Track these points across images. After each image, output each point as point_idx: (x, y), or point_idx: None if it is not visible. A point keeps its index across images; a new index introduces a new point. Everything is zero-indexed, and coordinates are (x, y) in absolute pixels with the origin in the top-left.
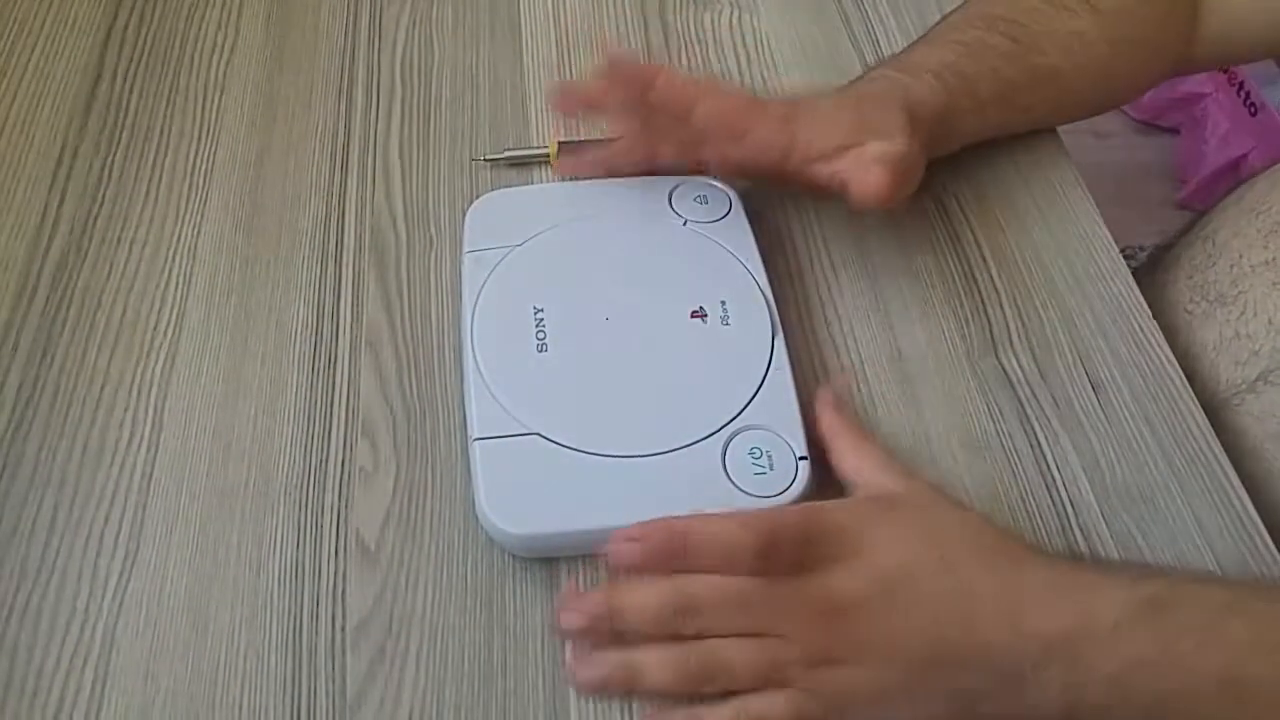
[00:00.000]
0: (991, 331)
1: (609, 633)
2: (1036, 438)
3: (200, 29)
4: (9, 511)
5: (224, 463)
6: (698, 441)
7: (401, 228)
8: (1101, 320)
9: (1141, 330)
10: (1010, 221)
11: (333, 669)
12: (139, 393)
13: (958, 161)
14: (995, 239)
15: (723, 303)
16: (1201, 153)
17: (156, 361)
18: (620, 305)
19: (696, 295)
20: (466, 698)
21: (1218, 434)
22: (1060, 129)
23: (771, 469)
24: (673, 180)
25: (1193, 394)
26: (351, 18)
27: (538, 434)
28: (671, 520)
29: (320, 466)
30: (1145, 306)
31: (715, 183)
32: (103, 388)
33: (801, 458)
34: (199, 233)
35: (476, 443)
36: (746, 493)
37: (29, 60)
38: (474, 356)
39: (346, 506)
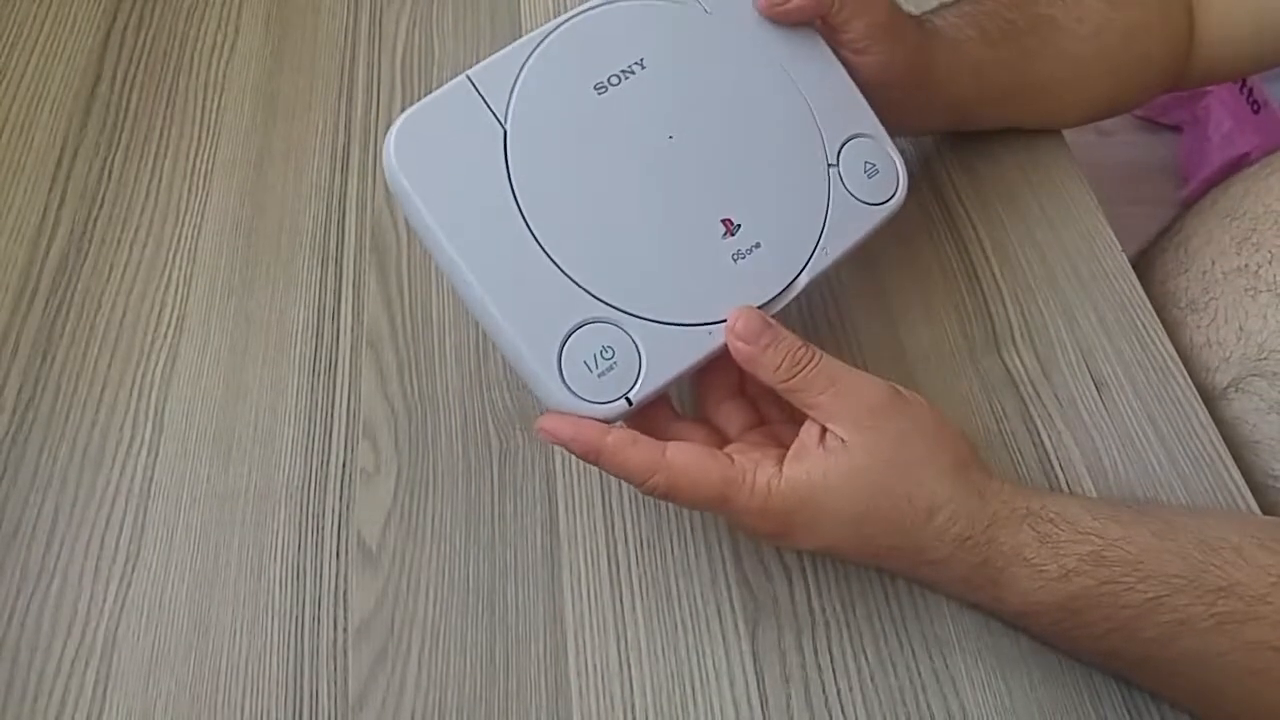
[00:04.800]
0: (994, 329)
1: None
2: (1040, 436)
3: (200, 30)
4: (9, 514)
5: (225, 465)
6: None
7: (402, 228)
8: (1104, 318)
9: (1144, 328)
10: (1013, 219)
11: (334, 670)
12: (139, 394)
13: (961, 160)
14: (998, 237)
15: (757, 245)
16: (1204, 150)
17: (157, 363)
18: (686, 145)
19: (750, 211)
20: (469, 699)
21: None
22: None
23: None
24: (866, 128)
25: (1195, 392)
26: (352, 18)
27: (506, 132)
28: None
29: (321, 468)
30: (1148, 304)
31: (898, 164)
32: (103, 390)
33: None
34: (199, 234)
35: (464, 79)
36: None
37: (28, 61)
38: (546, 35)
39: (348, 508)
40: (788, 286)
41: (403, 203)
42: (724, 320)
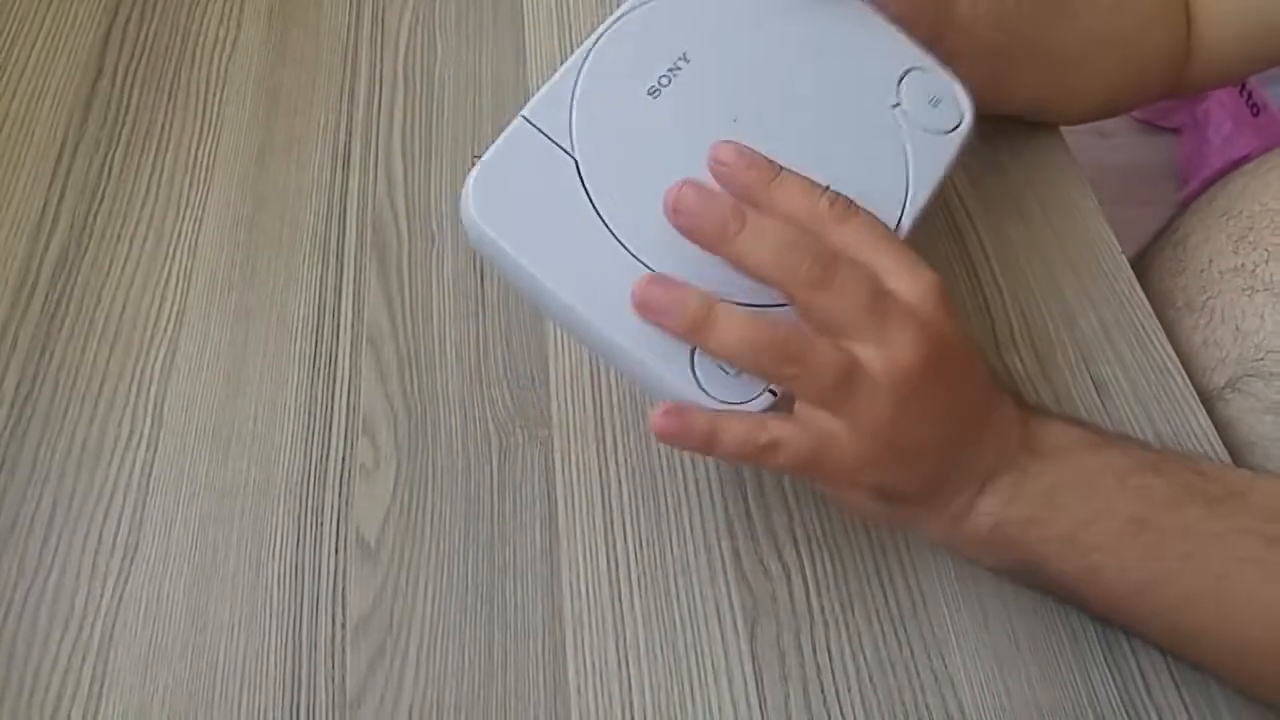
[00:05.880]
0: (994, 330)
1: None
2: None
3: (202, 24)
4: (7, 508)
5: (224, 460)
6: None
7: (403, 225)
8: (1104, 319)
9: (1144, 329)
10: (1013, 220)
11: (332, 667)
12: (139, 389)
13: (962, 160)
14: (998, 237)
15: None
16: (1204, 153)
17: (156, 358)
18: (752, 124)
19: (831, 173)
20: (467, 696)
21: None
22: (1063, 128)
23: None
24: (917, 61)
25: (1195, 393)
26: (354, 14)
27: (577, 161)
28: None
29: (320, 464)
30: (1148, 305)
31: (957, 87)
32: (102, 384)
33: None
34: (200, 229)
35: (521, 121)
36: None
37: (29, 55)
38: (587, 54)
39: (347, 504)
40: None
41: (495, 257)
42: None
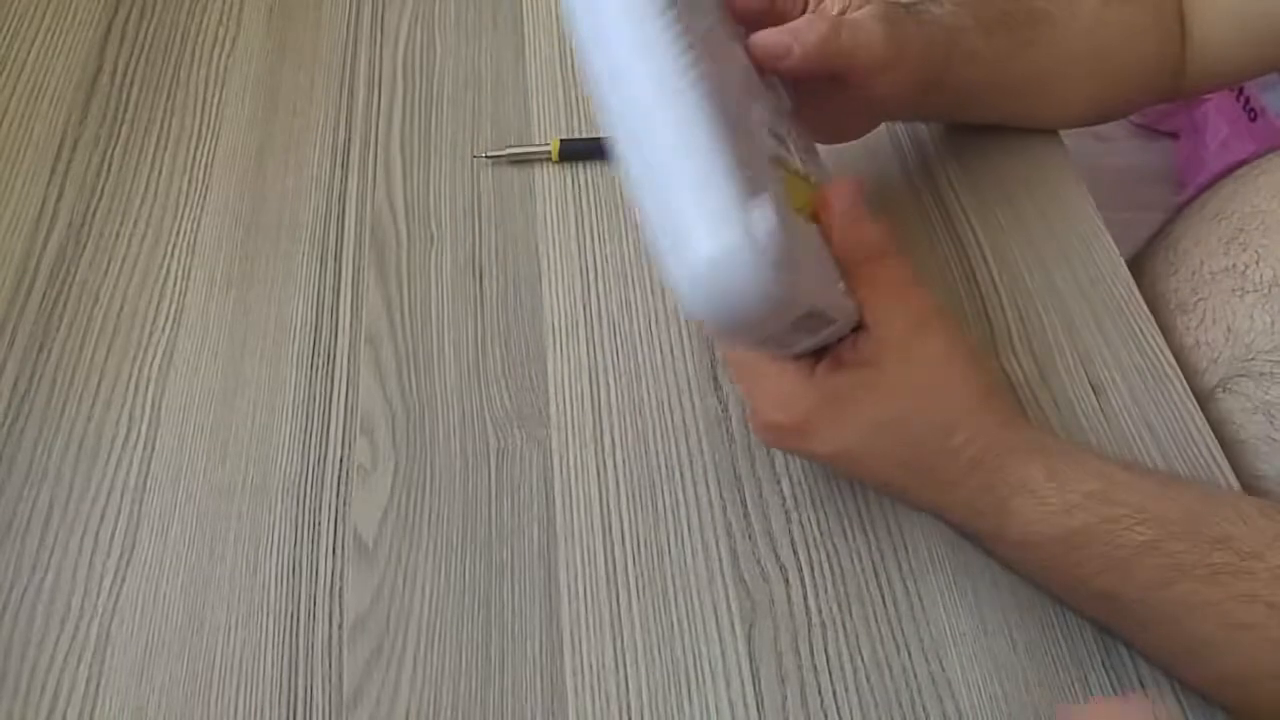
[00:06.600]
0: (993, 333)
1: None
2: None
3: (201, 23)
4: (4, 507)
5: (221, 459)
6: None
7: (402, 224)
8: (1102, 322)
9: (1142, 333)
10: (1012, 223)
11: (329, 667)
12: (136, 388)
13: (960, 163)
14: (997, 241)
15: None
16: (1202, 157)
17: (154, 357)
18: None
19: None
20: (464, 696)
21: None
22: (1062, 132)
23: None
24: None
25: (1192, 396)
26: (354, 13)
27: None
28: None
29: (318, 464)
30: (1145, 309)
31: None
32: (100, 383)
33: None
34: (198, 227)
35: None
36: None
37: (29, 53)
38: None
39: (345, 504)
40: None
41: None
42: None
